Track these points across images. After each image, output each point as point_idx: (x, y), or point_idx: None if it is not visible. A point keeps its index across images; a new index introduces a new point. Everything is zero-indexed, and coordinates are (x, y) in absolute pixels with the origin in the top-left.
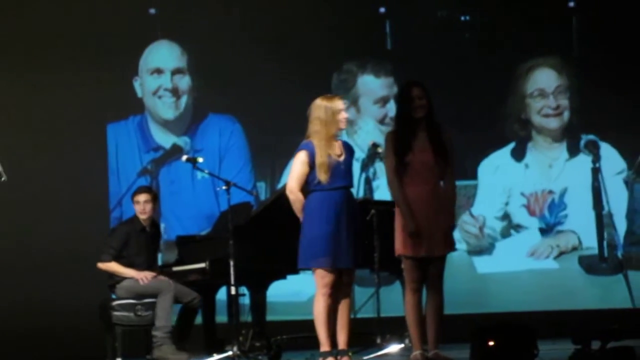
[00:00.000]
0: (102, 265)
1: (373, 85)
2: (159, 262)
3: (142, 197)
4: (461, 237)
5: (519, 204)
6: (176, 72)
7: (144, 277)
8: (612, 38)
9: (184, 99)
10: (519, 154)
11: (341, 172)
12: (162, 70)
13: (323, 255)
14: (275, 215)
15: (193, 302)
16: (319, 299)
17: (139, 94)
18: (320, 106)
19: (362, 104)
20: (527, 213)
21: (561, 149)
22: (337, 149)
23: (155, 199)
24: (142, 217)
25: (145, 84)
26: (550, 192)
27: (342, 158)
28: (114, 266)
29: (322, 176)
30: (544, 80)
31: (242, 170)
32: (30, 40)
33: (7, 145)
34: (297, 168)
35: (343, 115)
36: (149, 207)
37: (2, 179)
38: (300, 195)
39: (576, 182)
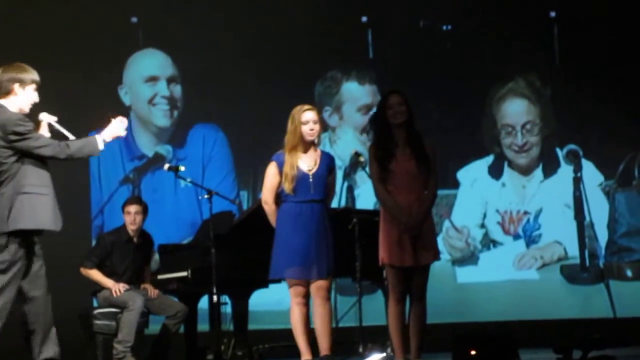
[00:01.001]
0: (83, 271)
1: (357, 93)
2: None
3: (133, 208)
4: (444, 247)
5: (494, 220)
6: (171, 80)
7: (117, 289)
8: (593, 47)
9: (178, 107)
10: (496, 172)
11: (308, 185)
12: (157, 77)
13: (290, 266)
14: (256, 224)
15: (177, 315)
16: (293, 308)
17: (127, 103)
18: (290, 116)
19: (345, 111)
20: (502, 231)
21: (536, 173)
22: (309, 160)
23: (145, 210)
24: (132, 227)
25: (138, 92)
26: (526, 212)
27: (313, 171)
28: (94, 274)
29: (286, 186)
30: (513, 114)
31: (225, 178)
32: (11, 48)
33: None
34: (267, 179)
35: (310, 126)
36: (139, 218)
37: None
38: (273, 207)
39: (554, 198)
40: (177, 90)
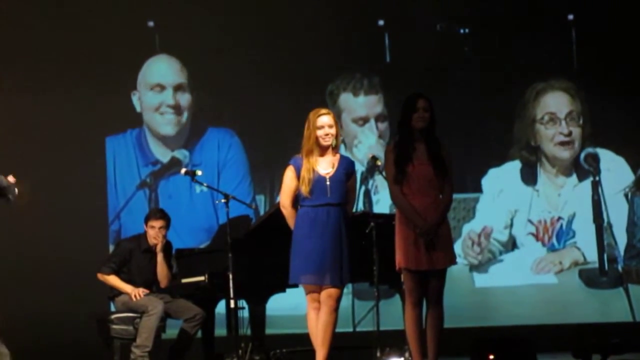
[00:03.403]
0: (100, 277)
1: (351, 103)
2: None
3: (158, 224)
4: (462, 252)
5: (525, 230)
6: (178, 88)
7: (137, 293)
8: (611, 49)
9: (184, 116)
10: (529, 178)
11: (325, 188)
12: (163, 86)
13: (306, 272)
14: (274, 228)
15: (195, 317)
16: (309, 312)
17: (138, 109)
18: (307, 119)
19: (343, 121)
20: (533, 239)
21: (571, 176)
22: (326, 164)
23: (169, 224)
24: (154, 242)
25: (145, 100)
26: (559, 218)
27: (330, 174)
28: (111, 279)
29: (303, 189)
30: (555, 104)
31: (241, 183)
32: (29, 54)
33: (6, 156)
34: (285, 183)
35: (325, 131)
36: (163, 232)
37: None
38: (291, 211)
39: (584, 203)
40: (185, 98)
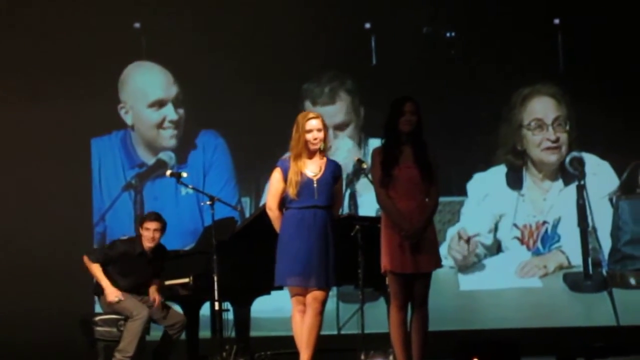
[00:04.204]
0: (86, 261)
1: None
2: None
3: (153, 225)
4: (447, 254)
5: (510, 235)
6: (176, 100)
7: (113, 297)
8: (597, 54)
9: (182, 127)
10: (516, 183)
11: (312, 190)
12: (163, 101)
13: (291, 274)
14: (259, 231)
15: (174, 326)
16: (294, 315)
17: (128, 122)
18: (295, 122)
19: None
20: (518, 243)
21: (557, 181)
22: (314, 166)
23: (164, 228)
24: (149, 245)
25: (142, 116)
26: (544, 222)
27: (317, 176)
28: (94, 268)
29: (290, 191)
30: (542, 110)
31: (226, 185)
32: (15, 56)
33: None
34: (272, 185)
35: (313, 135)
36: (157, 235)
37: None
38: (278, 213)
39: (569, 207)
40: (181, 111)
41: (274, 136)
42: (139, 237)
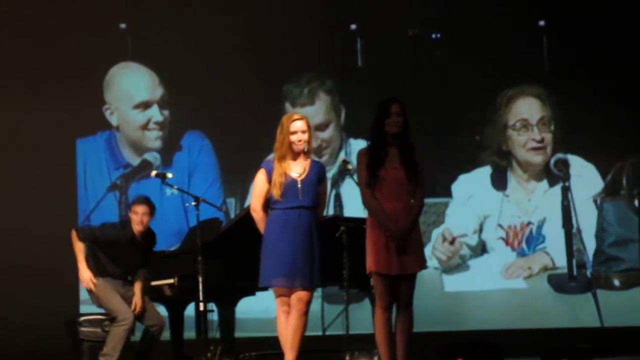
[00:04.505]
0: (73, 237)
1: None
2: None
3: (141, 209)
4: (432, 255)
5: (495, 235)
6: (162, 102)
7: (85, 283)
8: (582, 56)
9: (167, 128)
10: (500, 183)
11: (296, 191)
12: (148, 103)
13: (276, 275)
14: (244, 232)
15: (152, 328)
16: (279, 316)
17: (114, 123)
18: (280, 124)
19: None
20: (503, 244)
21: (542, 181)
22: (298, 167)
23: (153, 211)
24: (138, 228)
25: (127, 117)
26: (529, 223)
27: (301, 177)
28: (77, 246)
29: (274, 192)
30: (527, 110)
31: (212, 186)
32: None
33: None
34: (256, 186)
35: (298, 136)
36: (146, 219)
37: None
38: (262, 214)
39: (554, 208)
40: (166, 112)
41: (259, 137)
42: (128, 221)
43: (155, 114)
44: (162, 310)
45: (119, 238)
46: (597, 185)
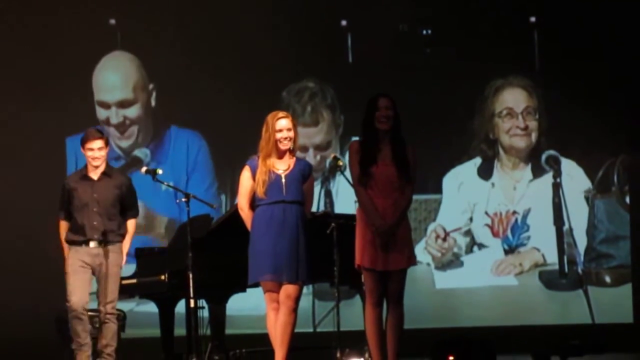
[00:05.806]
0: (58, 222)
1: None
2: None
3: (97, 144)
4: (424, 252)
5: (482, 222)
6: (123, 104)
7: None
8: (573, 51)
9: (156, 125)
10: (486, 173)
11: (280, 186)
12: (108, 104)
13: (263, 271)
14: (234, 228)
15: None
16: (268, 312)
17: (103, 119)
18: (265, 122)
19: None
20: (490, 233)
21: (526, 170)
22: (283, 164)
23: (108, 143)
24: (94, 164)
25: (116, 113)
26: (514, 212)
27: (286, 172)
28: (61, 226)
29: (258, 190)
30: (513, 100)
31: (210, 187)
32: None
33: None
34: (242, 184)
35: (283, 134)
36: (103, 153)
37: None
38: (249, 212)
39: (540, 201)
40: (131, 112)
41: (251, 134)
42: (85, 165)
43: (145, 110)
44: (152, 307)
45: (76, 186)
46: (586, 182)
